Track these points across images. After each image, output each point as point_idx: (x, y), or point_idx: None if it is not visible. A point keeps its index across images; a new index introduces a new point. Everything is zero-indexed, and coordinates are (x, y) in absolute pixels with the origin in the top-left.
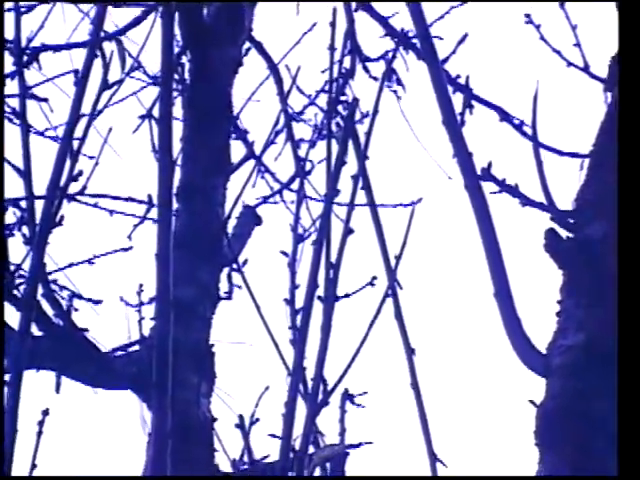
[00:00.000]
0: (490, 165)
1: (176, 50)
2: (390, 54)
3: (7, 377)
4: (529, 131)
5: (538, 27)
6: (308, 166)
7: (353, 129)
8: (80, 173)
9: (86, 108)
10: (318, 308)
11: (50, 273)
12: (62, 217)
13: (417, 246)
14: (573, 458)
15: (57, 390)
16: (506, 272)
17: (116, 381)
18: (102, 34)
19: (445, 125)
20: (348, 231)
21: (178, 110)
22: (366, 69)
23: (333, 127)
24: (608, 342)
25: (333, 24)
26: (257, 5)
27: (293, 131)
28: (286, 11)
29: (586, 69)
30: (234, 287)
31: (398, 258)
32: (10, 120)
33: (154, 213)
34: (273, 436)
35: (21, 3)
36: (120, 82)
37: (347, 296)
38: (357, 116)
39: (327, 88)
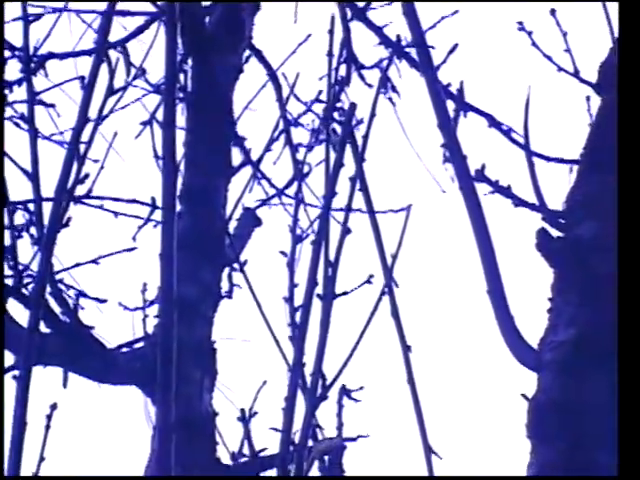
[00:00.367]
0: (484, 167)
1: (178, 57)
2: (385, 62)
3: (17, 373)
4: (518, 138)
5: (530, 34)
6: (306, 169)
7: (351, 132)
8: (86, 176)
9: (92, 113)
10: (317, 306)
11: (57, 273)
12: (69, 219)
13: (413, 245)
14: (564, 449)
15: (64, 385)
16: (499, 270)
17: (121, 377)
18: (107, 42)
19: (440, 128)
20: (346, 231)
21: (179, 115)
22: (361, 76)
23: (333, 129)
24: (598, 338)
25: (331, 31)
26: (257, 14)
27: (291, 136)
28: (284, 20)
29: (576, 74)
30: (234, 286)
31: (394, 257)
32: (18, 125)
33: (157, 215)
34: (274, 430)
35: (29, 11)
36: (124, 88)
37: (345, 294)
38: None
39: (325, 93)
